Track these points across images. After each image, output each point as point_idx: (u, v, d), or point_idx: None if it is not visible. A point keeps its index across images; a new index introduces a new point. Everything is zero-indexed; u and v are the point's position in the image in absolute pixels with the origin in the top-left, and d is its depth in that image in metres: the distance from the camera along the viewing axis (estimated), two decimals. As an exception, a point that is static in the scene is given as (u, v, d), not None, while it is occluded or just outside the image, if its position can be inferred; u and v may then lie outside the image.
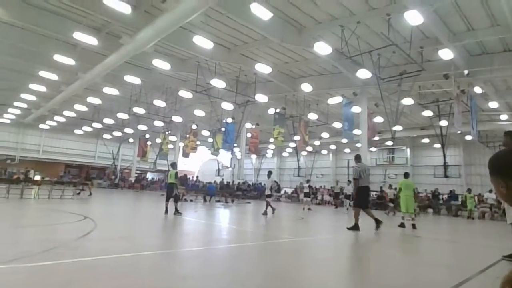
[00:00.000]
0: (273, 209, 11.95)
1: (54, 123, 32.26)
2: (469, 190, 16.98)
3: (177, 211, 9.21)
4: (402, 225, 9.40)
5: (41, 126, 33.43)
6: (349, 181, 18.53)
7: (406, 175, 10.50)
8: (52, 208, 9.59)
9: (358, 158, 8.50)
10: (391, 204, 16.70)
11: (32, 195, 13.00)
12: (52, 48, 15.26)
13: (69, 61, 15.28)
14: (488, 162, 1.38)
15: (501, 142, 5.19)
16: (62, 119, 30.33)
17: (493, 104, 18.88)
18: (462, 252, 6.21)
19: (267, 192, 12.44)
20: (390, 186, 17.93)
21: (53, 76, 18.20)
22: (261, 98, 19.08)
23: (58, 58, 15.07)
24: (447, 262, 5.05)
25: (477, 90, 16.73)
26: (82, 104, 24.49)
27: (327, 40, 13.19)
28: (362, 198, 7.94)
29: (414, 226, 9.18)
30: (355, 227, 7.61)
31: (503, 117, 21.06)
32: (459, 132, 21.59)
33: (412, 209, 9.78)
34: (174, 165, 10.78)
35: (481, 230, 11.34)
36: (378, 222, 7.75)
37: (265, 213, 11.44)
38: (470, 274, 3.76)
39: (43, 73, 17.87)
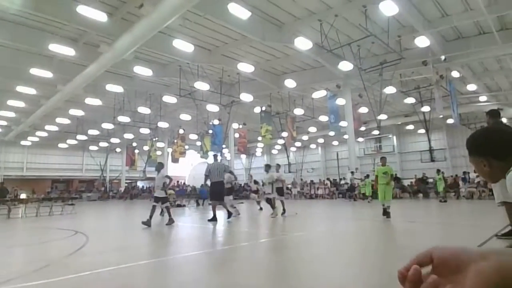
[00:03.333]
0: (170, 218, 8.29)
1: (36, 139, 31.46)
2: (438, 171, 16.11)
3: (162, 212, 10.48)
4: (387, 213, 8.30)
5: (23, 142, 32.53)
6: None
7: (385, 160, 9.02)
8: (42, 225, 9.36)
9: (215, 157, 9.78)
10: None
11: (20, 214, 12.66)
12: (27, 62, 14.90)
13: (46, 74, 14.96)
14: (467, 143, 1.40)
15: (485, 123, 5.34)
16: (44, 134, 29.61)
17: (472, 87, 19.42)
18: (452, 233, 6.37)
19: (160, 194, 8.48)
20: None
21: (31, 91, 17.77)
22: (246, 97, 19.09)
23: (35, 71, 14.72)
24: (440, 243, 5.18)
25: (455, 74, 17.19)
26: (64, 117, 23.97)
27: (307, 35, 13.30)
28: (213, 192, 9.05)
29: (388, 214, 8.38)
30: (213, 219, 8.69)
31: (482, 98, 21.70)
32: (441, 116, 22.13)
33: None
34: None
35: (470, 210, 11.66)
36: (229, 214, 8.94)
37: (170, 222, 8.19)
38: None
39: (20, 88, 17.42)
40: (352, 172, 20.06)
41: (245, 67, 15.77)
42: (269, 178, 10.13)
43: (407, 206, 13.43)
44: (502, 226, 5.55)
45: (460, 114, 20.62)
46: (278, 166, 11.21)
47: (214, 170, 9.01)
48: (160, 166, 8.97)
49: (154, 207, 8.27)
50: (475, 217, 9.39)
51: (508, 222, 4.73)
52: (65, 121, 24.73)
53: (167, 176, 8.76)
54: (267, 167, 10.60)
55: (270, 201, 9.98)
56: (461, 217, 9.50)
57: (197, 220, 10.53)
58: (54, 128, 27.19)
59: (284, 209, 9.99)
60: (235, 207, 10.12)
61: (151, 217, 7.97)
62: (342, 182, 23.84)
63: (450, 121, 23.92)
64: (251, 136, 30.62)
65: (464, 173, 19.19)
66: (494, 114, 4.95)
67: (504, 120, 22.04)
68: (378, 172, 8.68)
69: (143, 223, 7.76)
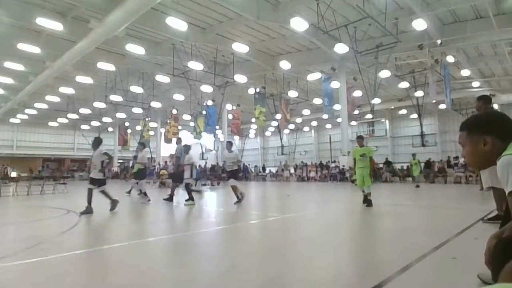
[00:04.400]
0: (113, 202, 7.03)
1: (26, 116, 30.89)
2: (413, 156, 15.92)
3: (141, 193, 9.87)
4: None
5: (12, 120, 31.95)
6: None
7: (362, 140, 8.13)
8: (33, 204, 9.34)
9: (179, 140, 10.04)
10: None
11: (11, 193, 12.59)
12: (14, 37, 14.36)
13: (34, 49, 14.49)
14: (468, 121, 1.40)
15: (474, 108, 5.39)
16: (34, 112, 29.05)
17: (465, 72, 19.44)
18: (439, 216, 6.55)
19: (97, 175, 7.06)
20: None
21: (19, 67, 17.27)
22: (240, 78, 18.86)
23: (22, 46, 14.24)
24: (426, 226, 5.33)
25: (450, 59, 17.14)
26: (54, 94, 23.46)
27: (303, 16, 13.03)
28: (178, 174, 9.09)
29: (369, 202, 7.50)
30: (170, 199, 8.87)
31: (475, 84, 21.79)
32: (434, 101, 22.27)
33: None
34: (135, 158, 11.56)
35: (457, 194, 11.94)
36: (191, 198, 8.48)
37: (86, 212, 6.59)
38: (449, 237, 3.98)
39: (8, 64, 16.91)
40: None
41: (240, 47, 15.48)
42: (187, 160, 8.87)
43: (396, 190, 13.71)
44: (488, 210, 5.71)
45: (452, 99, 20.75)
46: (230, 144, 9.16)
47: (185, 153, 9.23)
48: (97, 141, 7.42)
49: (90, 191, 6.85)
50: (461, 201, 9.65)
51: (495, 207, 4.86)
52: (55, 99, 24.23)
53: (106, 153, 7.22)
54: (187, 148, 9.18)
55: (187, 187, 8.57)
56: (448, 201, 9.74)
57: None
58: (43, 106, 26.66)
59: (238, 196, 8.35)
60: (144, 193, 9.23)
61: (89, 203, 6.72)
62: (333, 165, 24.09)
63: (442, 106, 24.09)
64: (244, 117, 30.48)
65: (457, 158, 19.50)
66: (487, 100, 5.00)
67: (495, 106, 22.28)
68: (355, 154, 7.71)
69: (82, 213, 6.50)
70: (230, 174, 8.80)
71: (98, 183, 7.06)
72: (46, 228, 5.48)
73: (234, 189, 8.45)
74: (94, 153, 7.24)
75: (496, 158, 1.26)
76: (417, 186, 14.38)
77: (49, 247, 3.86)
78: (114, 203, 7.04)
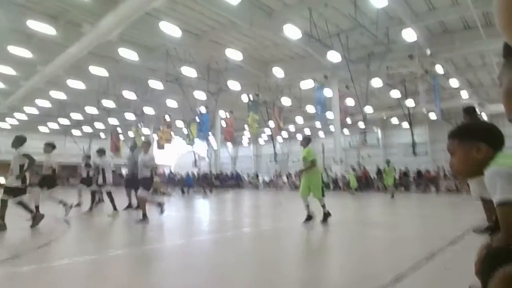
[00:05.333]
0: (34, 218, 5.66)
1: (15, 122, 30.40)
2: (387, 163, 14.60)
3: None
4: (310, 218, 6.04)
5: (1, 124, 31.40)
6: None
7: (305, 141, 6.65)
8: (21, 211, 9.07)
9: (134, 147, 9.48)
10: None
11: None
12: (5, 39, 14.17)
13: (25, 53, 14.32)
14: (462, 127, 1.37)
15: (463, 119, 5.43)
16: (23, 117, 28.61)
17: (454, 82, 19.78)
18: (430, 225, 6.54)
19: (15, 182, 5.57)
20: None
21: (9, 70, 17.03)
22: (233, 85, 18.89)
23: (13, 50, 14.07)
24: (418, 236, 5.30)
25: (439, 69, 17.42)
26: (45, 99, 23.14)
27: (296, 24, 13.15)
28: (136, 181, 8.31)
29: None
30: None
31: (463, 93, 22.16)
32: (424, 111, 22.56)
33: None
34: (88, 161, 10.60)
35: (448, 204, 12.01)
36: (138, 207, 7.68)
37: (36, 222, 5.66)
38: (440, 247, 3.95)
39: (-3, 67, 16.68)
40: (354, 169, 20.73)
41: (233, 54, 15.54)
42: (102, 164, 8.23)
43: (387, 199, 13.72)
44: (479, 220, 5.71)
45: (442, 109, 21.04)
46: (148, 144, 7.06)
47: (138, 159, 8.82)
48: (19, 140, 5.97)
49: (3, 203, 5.39)
50: (453, 211, 9.69)
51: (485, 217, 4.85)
52: (46, 103, 23.92)
53: (26, 155, 5.70)
54: (48, 147, 7.33)
55: (93, 194, 7.90)
56: (440, 211, 9.77)
57: (182, 209, 10.45)
58: (34, 111, 26.29)
59: (145, 214, 6.27)
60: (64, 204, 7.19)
61: (1, 217, 5.27)
62: (324, 174, 24.15)
63: (432, 116, 24.41)
64: (237, 125, 30.44)
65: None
66: (470, 111, 5.06)
67: (484, 116, 22.66)
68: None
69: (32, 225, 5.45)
70: (141, 182, 6.57)
71: (13, 193, 5.47)
72: (33, 236, 5.30)
73: (142, 202, 6.44)
74: (15, 154, 5.69)
75: (484, 167, 1.23)
76: (392, 197, 12.79)
77: (36, 256, 3.72)
78: (36, 219, 5.59)
